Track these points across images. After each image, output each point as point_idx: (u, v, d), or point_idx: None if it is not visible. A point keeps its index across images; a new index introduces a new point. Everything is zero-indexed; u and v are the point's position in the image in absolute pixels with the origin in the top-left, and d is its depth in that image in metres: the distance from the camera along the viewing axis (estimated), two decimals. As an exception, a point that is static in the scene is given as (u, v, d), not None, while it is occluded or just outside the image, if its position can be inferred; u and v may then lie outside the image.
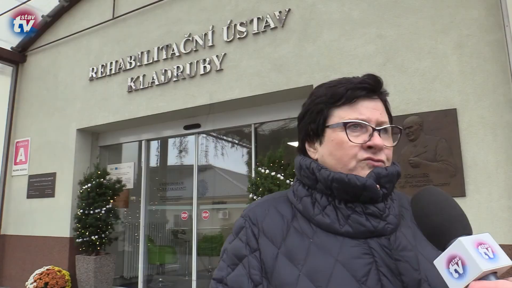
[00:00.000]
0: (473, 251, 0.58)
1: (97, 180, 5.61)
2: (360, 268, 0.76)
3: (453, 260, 0.59)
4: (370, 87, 0.87)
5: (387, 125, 0.87)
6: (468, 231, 0.64)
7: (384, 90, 0.91)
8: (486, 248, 0.59)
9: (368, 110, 0.85)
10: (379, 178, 0.82)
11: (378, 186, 0.82)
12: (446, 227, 0.65)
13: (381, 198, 0.83)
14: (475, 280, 0.57)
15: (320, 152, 0.90)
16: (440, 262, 0.62)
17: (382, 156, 0.84)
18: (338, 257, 0.77)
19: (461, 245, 0.59)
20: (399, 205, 0.89)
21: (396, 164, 0.88)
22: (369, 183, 0.80)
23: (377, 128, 0.84)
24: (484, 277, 0.57)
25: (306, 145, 0.94)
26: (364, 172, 0.82)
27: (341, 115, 0.86)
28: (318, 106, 0.89)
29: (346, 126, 0.84)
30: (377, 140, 0.83)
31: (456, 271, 0.59)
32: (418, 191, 0.72)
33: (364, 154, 0.83)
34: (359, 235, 0.80)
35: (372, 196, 0.81)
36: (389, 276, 0.76)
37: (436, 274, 0.78)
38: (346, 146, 0.84)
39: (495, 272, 0.58)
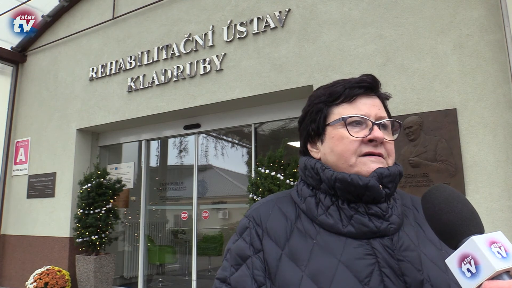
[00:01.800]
0: (486, 250, 0.57)
1: (97, 180, 5.61)
2: (363, 269, 0.76)
3: (466, 259, 0.59)
4: (368, 85, 0.89)
5: (386, 119, 0.88)
6: (480, 230, 0.64)
7: (381, 90, 0.93)
8: (499, 247, 0.58)
9: (366, 106, 0.87)
10: (382, 178, 0.82)
11: (380, 186, 0.82)
12: (458, 225, 0.64)
13: (384, 198, 0.83)
14: (488, 279, 0.56)
15: (322, 151, 0.90)
16: (452, 261, 0.61)
17: (381, 150, 0.85)
18: (341, 258, 0.77)
19: (474, 244, 0.58)
20: (401, 205, 0.89)
21: (398, 164, 0.89)
22: (372, 183, 0.80)
23: (376, 122, 0.85)
24: (497, 276, 0.56)
25: (309, 146, 0.95)
26: (364, 168, 0.83)
27: (340, 112, 0.87)
28: (317, 105, 0.91)
29: (346, 121, 0.85)
30: (377, 132, 0.84)
31: (468, 270, 0.58)
32: (429, 188, 0.71)
33: (364, 149, 0.84)
34: (362, 235, 0.80)
35: (375, 196, 0.81)
36: (392, 277, 0.76)
37: (439, 274, 0.78)
38: (347, 141, 0.84)
39: (508, 271, 0.57)
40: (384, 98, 0.93)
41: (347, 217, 0.81)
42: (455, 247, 0.62)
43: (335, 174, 0.83)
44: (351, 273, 0.75)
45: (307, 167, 0.90)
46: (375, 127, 0.84)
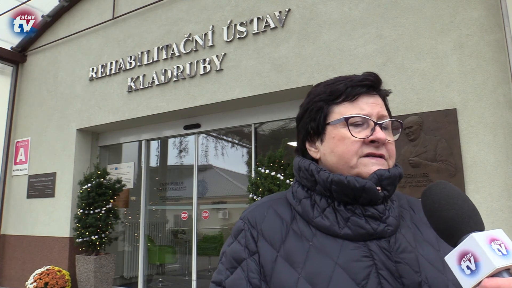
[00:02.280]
0: (486, 247, 0.56)
1: (97, 180, 5.61)
2: (360, 271, 0.75)
3: (465, 257, 0.58)
4: (371, 83, 0.86)
5: (388, 119, 0.86)
6: (480, 227, 0.63)
7: (384, 88, 0.91)
8: (499, 245, 0.57)
9: (368, 105, 0.84)
10: (381, 180, 0.80)
11: (379, 188, 0.81)
12: (458, 222, 0.63)
13: (381, 200, 0.81)
14: (487, 277, 0.55)
15: (322, 151, 0.88)
16: (451, 258, 0.60)
17: (383, 151, 0.83)
18: (337, 260, 0.76)
19: (474, 241, 0.58)
20: (398, 206, 0.87)
21: (398, 165, 0.87)
22: (369, 185, 0.79)
23: (378, 122, 0.83)
24: (497, 274, 0.56)
25: (307, 145, 0.92)
26: (365, 170, 0.81)
27: (341, 111, 0.85)
28: (318, 104, 0.88)
29: (347, 121, 0.83)
30: (379, 134, 0.81)
31: (468, 267, 0.57)
32: (429, 185, 0.70)
33: (365, 150, 0.82)
34: (358, 237, 0.78)
35: (372, 198, 0.80)
36: (389, 279, 0.75)
37: (436, 276, 0.77)
38: (348, 142, 0.82)
39: (508, 269, 0.56)
40: (384, 95, 0.90)
41: (343, 219, 0.80)
42: (454, 244, 0.62)
43: (331, 177, 0.81)
44: (348, 275, 0.74)
45: (301, 168, 0.89)
46: (377, 128, 0.82)
